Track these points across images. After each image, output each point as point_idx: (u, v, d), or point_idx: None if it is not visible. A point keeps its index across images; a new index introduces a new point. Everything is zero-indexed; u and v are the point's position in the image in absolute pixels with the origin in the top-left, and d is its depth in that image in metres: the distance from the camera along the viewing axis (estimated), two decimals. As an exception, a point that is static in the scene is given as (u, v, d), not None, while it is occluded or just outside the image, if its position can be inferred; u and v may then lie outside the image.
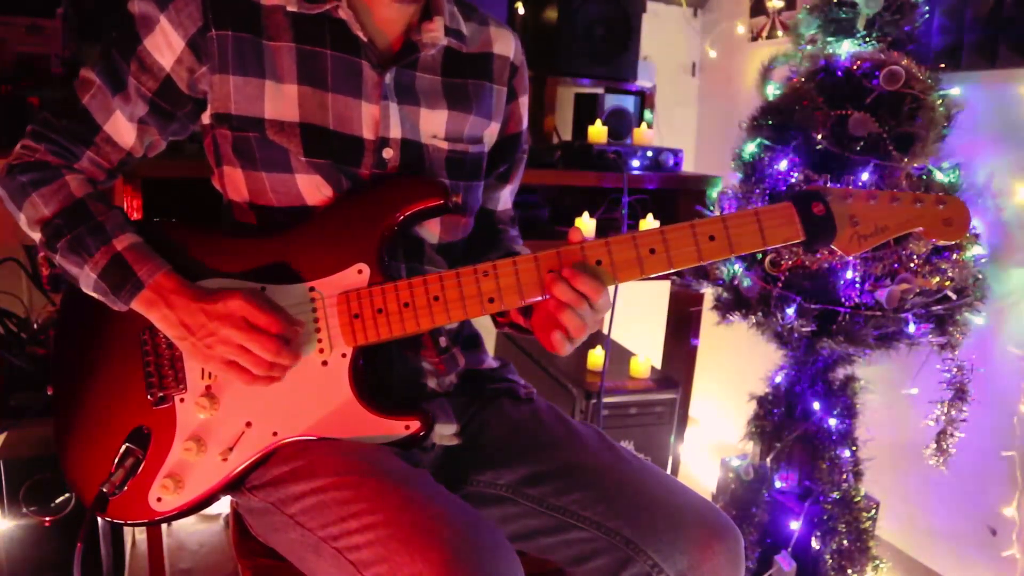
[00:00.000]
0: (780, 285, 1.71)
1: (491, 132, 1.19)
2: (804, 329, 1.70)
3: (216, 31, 1.01)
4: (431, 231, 1.13)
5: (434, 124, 1.11)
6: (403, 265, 1.10)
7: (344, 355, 1.02)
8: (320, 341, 1.02)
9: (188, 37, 1.01)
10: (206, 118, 1.07)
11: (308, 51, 1.03)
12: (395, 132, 1.07)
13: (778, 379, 1.94)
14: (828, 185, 1.03)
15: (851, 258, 1.63)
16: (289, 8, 1.02)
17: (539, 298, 0.99)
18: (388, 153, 1.07)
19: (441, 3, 1.11)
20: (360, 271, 1.02)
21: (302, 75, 1.03)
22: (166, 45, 1.01)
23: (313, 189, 1.05)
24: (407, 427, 1.01)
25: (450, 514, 0.88)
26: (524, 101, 1.25)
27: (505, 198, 1.29)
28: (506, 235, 1.27)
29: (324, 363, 1.02)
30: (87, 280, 1.00)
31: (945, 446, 1.70)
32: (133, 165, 1.10)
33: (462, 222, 1.18)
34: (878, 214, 1.00)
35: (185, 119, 1.08)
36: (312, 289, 1.02)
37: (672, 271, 1.00)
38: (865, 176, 1.65)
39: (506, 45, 1.19)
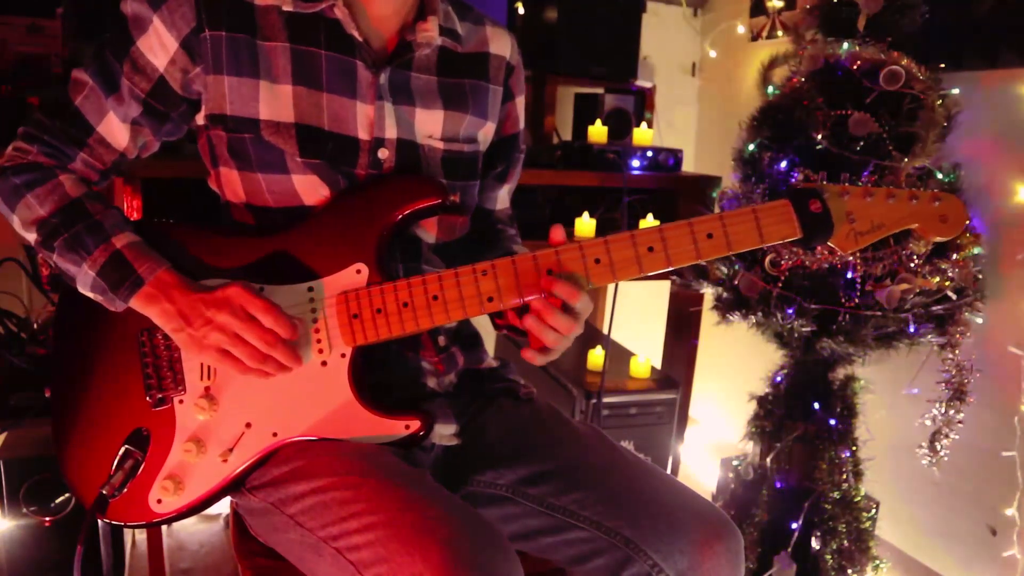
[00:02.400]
0: (780, 285, 1.71)
1: (486, 132, 1.19)
2: (804, 329, 1.70)
3: (210, 31, 1.00)
4: (428, 231, 1.13)
5: (430, 124, 1.11)
6: (400, 265, 1.09)
7: (343, 355, 1.02)
8: (319, 341, 1.02)
9: (181, 38, 1.00)
10: (200, 119, 1.07)
11: (303, 51, 1.03)
12: (390, 132, 1.07)
13: (778, 379, 1.94)
14: (825, 182, 1.03)
15: (849, 256, 1.63)
16: (284, 8, 1.02)
17: (538, 297, 0.99)
18: (383, 153, 1.07)
19: (435, 2, 1.10)
20: (359, 271, 1.02)
21: (297, 75, 1.02)
22: (159, 46, 1.01)
23: (310, 189, 1.05)
24: (407, 427, 1.01)
25: (450, 514, 0.88)
26: (520, 101, 1.25)
27: (503, 197, 1.29)
28: (504, 234, 1.27)
29: (323, 363, 1.02)
30: (85, 278, 1.00)
31: (939, 446, 1.70)
32: (127, 166, 1.10)
33: (459, 222, 1.18)
34: (874, 211, 1.00)
35: (179, 120, 1.08)
36: (311, 289, 1.02)
37: (670, 269, 1.00)
38: (865, 176, 1.65)
39: (502, 45, 1.19)
